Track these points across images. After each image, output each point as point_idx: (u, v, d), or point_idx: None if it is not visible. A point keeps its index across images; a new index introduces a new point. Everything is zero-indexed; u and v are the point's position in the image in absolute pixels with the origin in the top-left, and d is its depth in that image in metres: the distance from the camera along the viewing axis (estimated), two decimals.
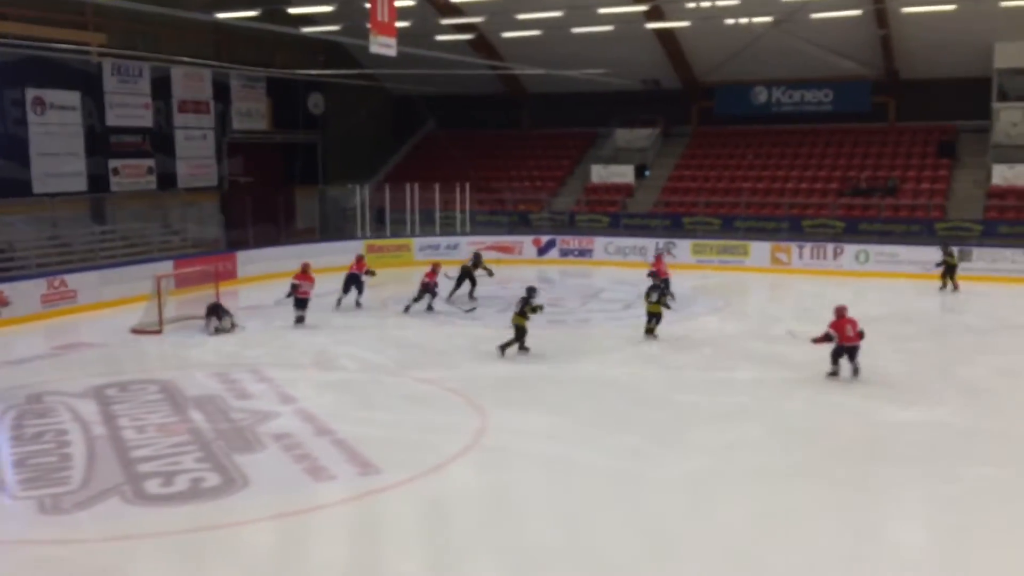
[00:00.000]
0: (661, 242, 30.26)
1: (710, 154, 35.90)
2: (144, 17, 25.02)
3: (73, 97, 27.91)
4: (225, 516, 10.53)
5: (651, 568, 9.32)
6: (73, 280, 23.36)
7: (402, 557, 9.57)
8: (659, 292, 19.46)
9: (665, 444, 13.00)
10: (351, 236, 32.56)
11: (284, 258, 27.41)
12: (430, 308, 22.54)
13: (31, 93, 26.69)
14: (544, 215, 34.45)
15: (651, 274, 23.99)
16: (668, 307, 19.57)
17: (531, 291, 18.31)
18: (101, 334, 20.62)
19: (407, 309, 22.54)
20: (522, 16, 29.04)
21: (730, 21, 29.15)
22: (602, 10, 28.75)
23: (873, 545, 9.73)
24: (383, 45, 16.42)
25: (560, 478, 11.62)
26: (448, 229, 33.29)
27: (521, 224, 34.03)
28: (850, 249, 28.92)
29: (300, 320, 21.27)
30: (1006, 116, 30.96)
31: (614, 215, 33.40)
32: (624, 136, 36.75)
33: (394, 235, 32.80)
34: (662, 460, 12.33)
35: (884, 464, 12.08)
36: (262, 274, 27.55)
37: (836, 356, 16.08)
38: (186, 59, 28.28)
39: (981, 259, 26.29)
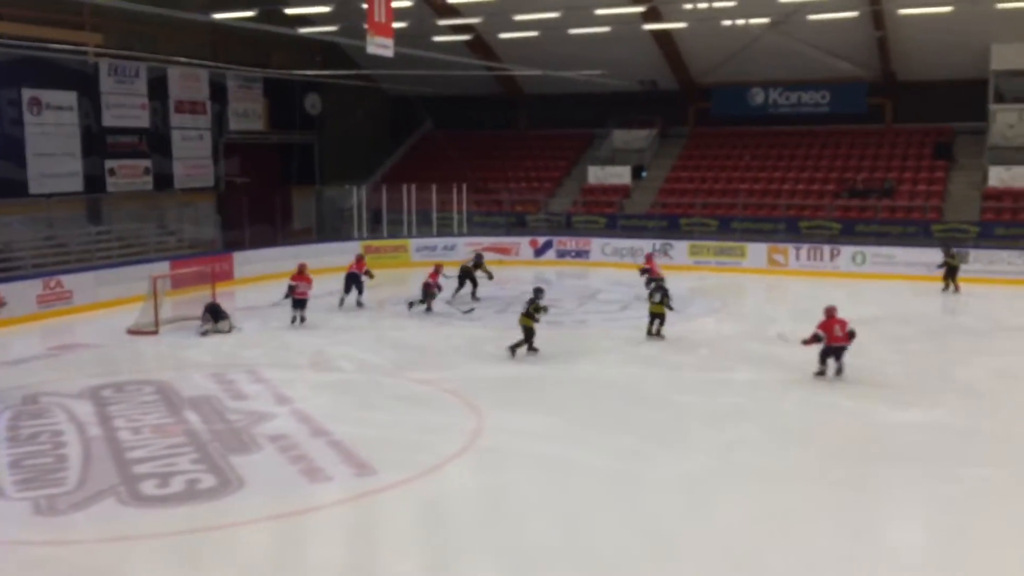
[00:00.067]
0: (658, 243, 30.31)
1: (707, 155, 35.92)
2: (141, 17, 24.98)
3: (69, 97, 27.88)
4: (221, 517, 10.50)
5: (649, 568, 9.31)
6: (69, 281, 23.32)
7: (398, 558, 9.55)
8: (662, 293, 19.45)
9: (663, 444, 12.99)
10: (348, 237, 32.55)
11: (281, 259, 27.39)
12: (429, 309, 22.52)
13: (27, 93, 26.66)
14: (541, 216, 34.44)
15: (644, 271, 24.18)
16: (671, 308, 19.56)
17: (538, 292, 18.31)
18: (97, 335, 20.58)
19: (411, 306, 22.58)
20: (519, 17, 29.02)
21: (727, 22, 29.17)
22: (599, 11, 28.75)
23: (871, 546, 9.72)
24: (380, 46, 16.40)
25: (557, 479, 11.60)
26: (445, 230, 33.27)
27: (518, 225, 34.02)
28: (847, 250, 28.93)
29: (302, 320, 21.29)
30: (1002, 118, 30.99)
31: (611, 216, 33.39)
32: (621, 137, 36.75)
33: (391, 236, 32.77)
34: (659, 460, 12.32)
35: (882, 465, 12.07)
36: (259, 275, 27.53)
37: (824, 356, 16.17)
38: (183, 59, 28.24)
39: (978, 261, 26.30)
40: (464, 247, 30.60)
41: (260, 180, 34.33)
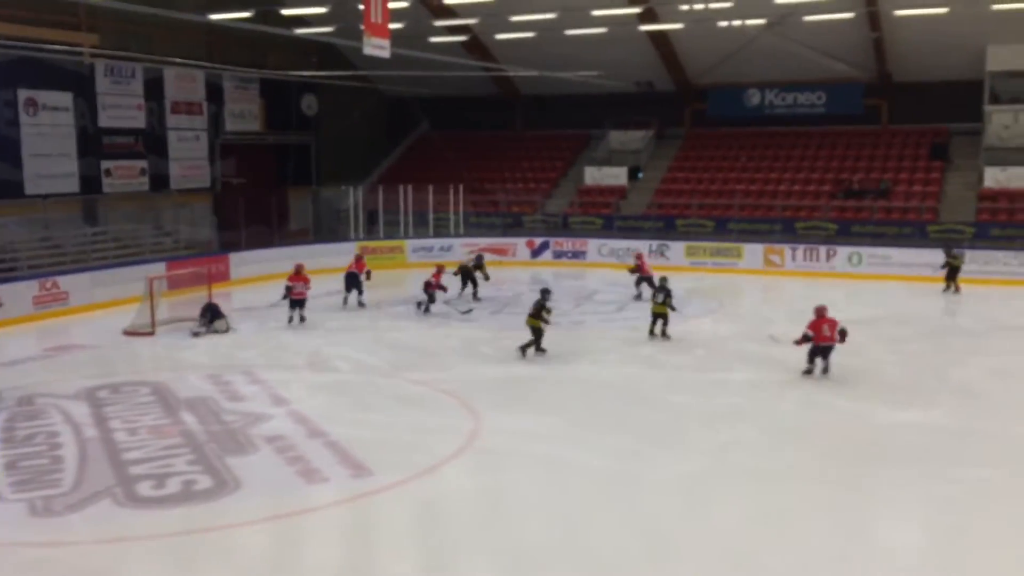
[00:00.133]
0: (654, 244, 30.36)
1: (703, 156, 35.94)
2: (137, 18, 24.94)
3: (65, 98, 27.83)
4: (217, 519, 10.49)
5: (646, 568, 9.31)
6: (65, 282, 23.28)
7: (395, 559, 9.54)
8: (665, 293, 19.47)
9: (660, 445, 12.99)
10: (344, 238, 32.54)
11: (277, 260, 27.37)
12: (427, 311, 22.51)
13: (23, 94, 26.61)
14: (538, 217, 34.43)
15: (635, 269, 24.32)
16: (674, 308, 19.58)
17: (545, 293, 18.32)
18: (93, 336, 20.55)
19: (419, 306, 22.55)
20: (515, 18, 29.02)
21: (723, 23, 29.20)
22: (595, 12, 28.76)
23: (867, 546, 9.73)
24: (376, 47, 16.38)
25: (554, 479, 11.60)
26: (442, 231, 33.25)
27: (515, 226, 34.01)
28: (843, 251, 28.96)
29: (301, 319, 21.33)
30: (998, 119, 31.05)
31: (607, 217, 33.40)
32: (617, 138, 36.77)
33: (387, 237, 32.75)
34: (657, 461, 12.32)
35: (878, 465, 12.09)
36: (255, 276, 27.52)
37: (812, 355, 16.32)
38: (179, 60, 28.19)
39: (974, 261, 26.30)
40: (461, 248, 30.57)
41: (256, 181, 34.29)
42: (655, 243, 30.62)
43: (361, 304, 23.50)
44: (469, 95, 38.01)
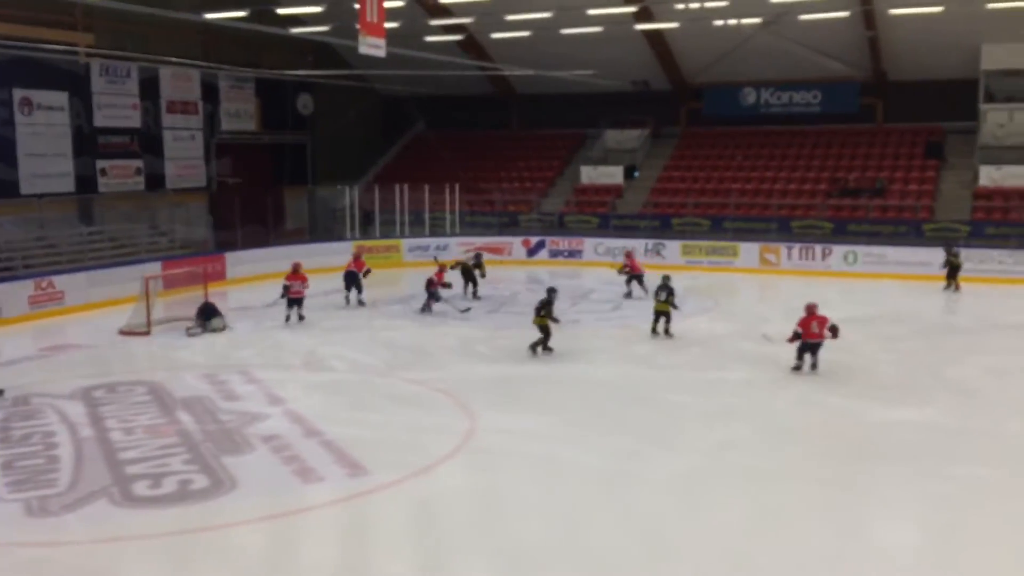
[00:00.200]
0: (650, 243, 30.42)
1: (699, 155, 35.96)
2: (132, 17, 24.90)
3: (61, 98, 27.78)
4: (213, 518, 10.49)
5: (643, 568, 9.31)
6: (61, 281, 23.25)
7: (391, 559, 9.54)
8: (668, 291, 19.49)
9: (656, 444, 13.00)
10: (340, 237, 32.52)
11: (273, 259, 27.34)
12: (426, 308, 22.52)
13: (19, 94, 26.56)
14: (533, 216, 34.44)
15: (623, 268, 24.43)
16: (675, 307, 19.61)
17: (552, 292, 18.33)
18: (89, 335, 20.52)
19: (429, 308, 22.56)
20: (511, 17, 29.01)
21: (719, 22, 29.19)
22: (591, 11, 28.76)
23: (863, 544, 9.74)
24: (372, 46, 16.39)
25: (550, 479, 11.60)
26: (438, 230, 33.25)
27: (511, 225, 34.02)
28: (838, 250, 28.99)
29: (300, 318, 21.36)
30: (993, 117, 31.09)
31: (603, 216, 33.41)
32: (613, 137, 36.78)
33: (383, 236, 32.75)
34: (653, 460, 12.33)
35: (874, 463, 12.10)
36: (251, 275, 27.50)
37: (801, 352, 16.44)
38: (174, 59, 28.16)
39: (969, 260, 26.30)
40: (457, 247, 30.58)
41: (252, 180, 34.26)
42: (651, 242, 30.67)
43: (361, 303, 23.53)
44: (465, 94, 38.00)
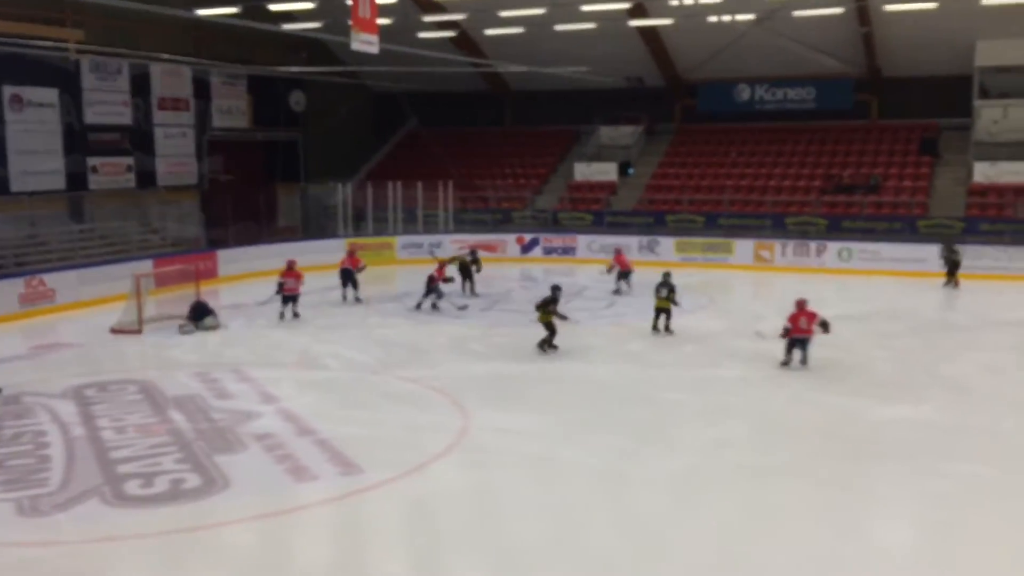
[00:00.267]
0: (644, 239, 30.41)
1: (693, 152, 35.94)
2: (123, 13, 24.67)
3: (51, 94, 27.63)
4: (206, 517, 10.40)
5: (638, 567, 9.24)
6: (51, 279, 23.12)
7: (385, 557, 9.47)
8: (669, 288, 19.44)
9: (650, 442, 12.94)
10: (333, 234, 32.45)
11: (265, 257, 27.25)
12: (435, 307, 22.44)
13: (8, 90, 26.40)
14: (527, 213, 34.40)
15: (610, 267, 24.44)
16: (676, 303, 19.57)
17: (556, 290, 18.25)
18: (80, 334, 20.40)
19: (418, 306, 22.54)
20: (505, 13, 28.95)
21: (713, 18, 29.18)
22: (585, 7, 28.63)
23: (858, 543, 9.69)
24: (365, 42, 16.30)
25: (544, 477, 11.55)
26: (431, 227, 33.17)
27: (504, 222, 33.96)
28: (833, 246, 29.02)
29: (294, 315, 21.34)
30: (987, 114, 31.12)
31: (597, 213, 33.36)
32: (607, 134, 36.72)
33: (376, 233, 32.65)
34: (648, 458, 12.27)
35: (870, 461, 12.06)
36: (243, 273, 27.36)
37: (790, 347, 16.55)
38: (165, 56, 28.03)
39: (963, 256, 26.35)
40: (450, 244, 30.51)
41: (244, 177, 34.14)
42: (645, 239, 30.66)
43: (358, 300, 23.46)
44: (458, 91, 37.92)
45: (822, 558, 9.36)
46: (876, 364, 17.26)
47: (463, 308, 22.73)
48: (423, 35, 30.90)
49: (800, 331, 16.36)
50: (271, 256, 26.46)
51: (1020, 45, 29.73)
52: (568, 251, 31.95)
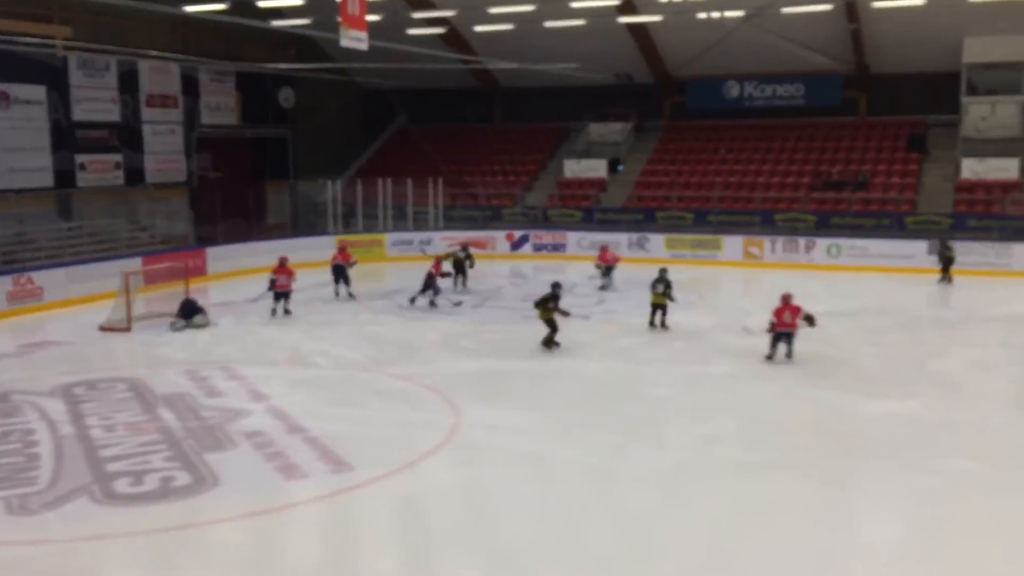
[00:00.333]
0: (634, 236, 30.49)
1: (683, 148, 35.98)
2: (110, 10, 24.62)
3: (38, 91, 27.51)
4: (196, 515, 10.37)
5: (630, 564, 9.26)
6: (40, 277, 23.02)
7: (376, 555, 9.47)
8: (665, 284, 19.46)
9: (641, 439, 12.95)
10: (323, 231, 32.41)
11: (255, 254, 27.20)
12: (432, 304, 22.42)
13: None
14: (517, 210, 34.40)
15: (598, 265, 24.55)
16: (672, 299, 19.59)
17: (557, 287, 18.23)
18: (68, 332, 20.30)
19: (412, 301, 22.54)
20: (494, 10, 28.93)
21: (702, 15, 29.23)
22: (575, 4, 28.70)
23: (848, 538, 9.74)
24: (354, 39, 16.29)
25: (536, 474, 11.55)
26: (421, 224, 33.13)
27: (494, 219, 33.95)
28: (822, 243, 29.11)
29: (285, 312, 21.33)
30: (975, 110, 31.25)
31: (587, 210, 33.38)
32: (597, 130, 36.73)
33: (366, 230, 32.60)
34: (638, 455, 12.28)
35: (858, 457, 12.11)
36: (232, 270, 27.29)
37: (774, 341, 16.64)
38: (154, 53, 27.92)
39: (957, 252, 26.45)
40: (440, 241, 30.49)
41: (233, 175, 34.05)
42: (635, 235, 30.69)
43: (351, 296, 23.44)
44: (448, 88, 37.84)
45: (812, 553, 9.39)
46: (865, 360, 17.31)
47: (457, 304, 22.74)
48: (412, 32, 30.89)
49: (784, 325, 16.47)
50: (260, 253, 26.41)
51: (1008, 42, 29.88)
52: (558, 248, 31.96)
